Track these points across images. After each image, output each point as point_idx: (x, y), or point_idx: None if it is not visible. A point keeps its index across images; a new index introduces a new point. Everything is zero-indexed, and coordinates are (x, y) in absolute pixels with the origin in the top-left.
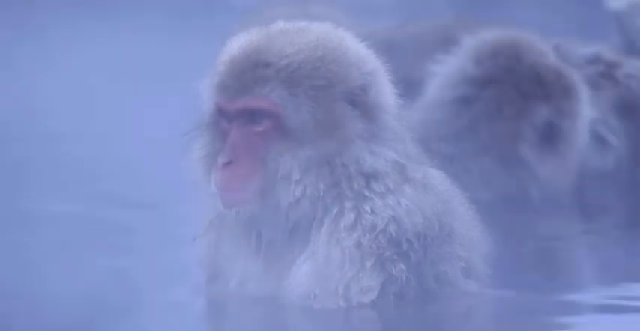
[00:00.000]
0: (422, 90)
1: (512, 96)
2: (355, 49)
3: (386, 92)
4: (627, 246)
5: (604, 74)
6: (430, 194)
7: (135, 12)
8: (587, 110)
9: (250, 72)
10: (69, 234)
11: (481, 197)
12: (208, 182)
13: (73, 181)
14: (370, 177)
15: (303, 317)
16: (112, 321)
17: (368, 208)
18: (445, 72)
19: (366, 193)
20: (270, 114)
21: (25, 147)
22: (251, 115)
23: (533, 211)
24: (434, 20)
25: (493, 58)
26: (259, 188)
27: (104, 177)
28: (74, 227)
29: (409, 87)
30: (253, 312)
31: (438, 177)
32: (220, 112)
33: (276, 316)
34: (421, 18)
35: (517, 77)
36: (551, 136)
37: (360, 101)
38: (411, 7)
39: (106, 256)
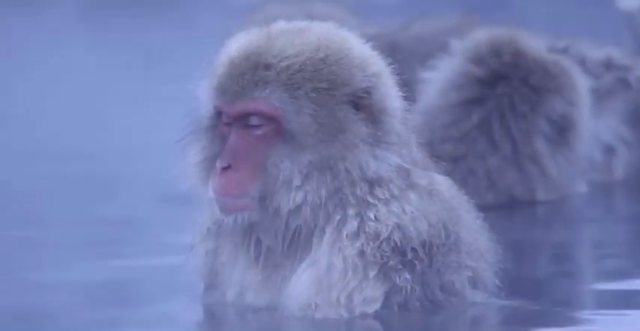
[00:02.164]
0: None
1: (524, 92)
2: (359, 49)
3: (391, 95)
4: (635, 255)
5: (617, 80)
6: (436, 200)
7: (130, 10)
8: (589, 100)
9: (250, 74)
10: (67, 242)
11: (486, 199)
12: (206, 187)
13: (66, 191)
14: (374, 182)
15: (304, 329)
16: (111, 329)
17: (371, 215)
18: (442, 77)
19: (370, 200)
20: (271, 117)
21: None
22: (250, 118)
23: (540, 216)
24: (438, 20)
25: (496, 56)
26: (259, 194)
27: (97, 187)
28: (71, 235)
29: (413, 89)
30: (252, 323)
31: (444, 183)
32: (219, 115)
33: (275, 327)
34: (426, 17)
35: (524, 72)
36: (564, 128)
37: (363, 104)
38: (415, 5)
39: (102, 266)
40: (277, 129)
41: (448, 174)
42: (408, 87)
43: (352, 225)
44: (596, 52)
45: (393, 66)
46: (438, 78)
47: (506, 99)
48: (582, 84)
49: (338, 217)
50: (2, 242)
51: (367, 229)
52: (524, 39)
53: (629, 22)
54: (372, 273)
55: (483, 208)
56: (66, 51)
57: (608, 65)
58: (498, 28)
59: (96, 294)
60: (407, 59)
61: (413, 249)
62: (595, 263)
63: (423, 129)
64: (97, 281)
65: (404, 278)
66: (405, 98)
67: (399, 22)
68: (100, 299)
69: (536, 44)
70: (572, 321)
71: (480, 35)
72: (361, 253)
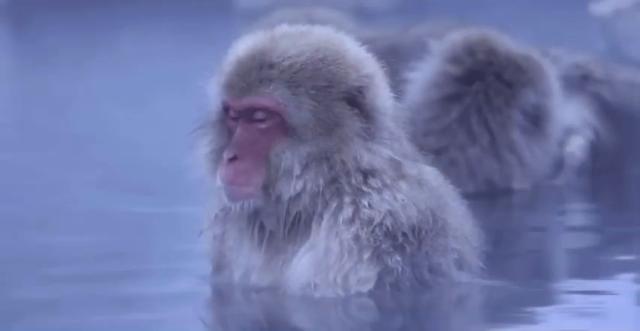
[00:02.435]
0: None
1: (498, 87)
2: (354, 52)
3: (382, 95)
4: (610, 237)
5: (591, 79)
6: (424, 189)
7: (145, 15)
8: (559, 88)
9: (255, 72)
10: (81, 226)
11: (467, 188)
12: (214, 177)
13: (89, 176)
14: (368, 173)
15: (304, 306)
16: (124, 308)
17: (365, 202)
18: (423, 76)
19: (364, 188)
20: (274, 112)
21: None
22: (256, 113)
23: (518, 202)
24: (434, 23)
25: (470, 55)
26: (262, 182)
27: (117, 170)
28: (87, 219)
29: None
30: (256, 301)
31: (431, 174)
32: (226, 110)
33: (278, 305)
34: (421, 22)
35: (498, 69)
36: (538, 118)
37: (357, 101)
38: (409, 11)
39: (117, 248)
40: (280, 123)
41: (432, 164)
42: (405, 87)
43: (348, 211)
44: (570, 57)
45: (387, 68)
46: (420, 77)
47: (482, 94)
48: (552, 74)
49: (335, 204)
50: (20, 234)
51: (362, 215)
52: (496, 37)
53: (603, 27)
54: (366, 256)
55: (465, 196)
56: None
57: (579, 67)
58: (472, 28)
59: (110, 276)
60: (406, 60)
61: (403, 234)
62: (568, 245)
63: (407, 124)
64: (111, 263)
65: (395, 260)
66: (397, 97)
67: (394, 26)
68: (113, 281)
69: (507, 41)
70: (548, 299)
71: (456, 36)
72: (356, 237)
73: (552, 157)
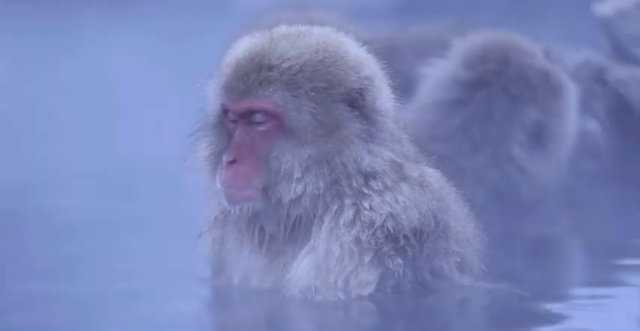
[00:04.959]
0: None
1: (501, 99)
2: (354, 53)
3: (382, 96)
4: (617, 241)
5: (595, 78)
6: (426, 191)
7: (141, 15)
8: (576, 108)
9: (254, 74)
10: (79, 228)
11: (474, 195)
12: (213, 180)
13: (84, 177)
14: (368, 175)
15: (304, 310)
16: (123, 310)
17: (366, 205)
18: (437, 75)
19: (365, 191)
20: (273, 114)
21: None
22: (255, 115)
23: (524, 209)
24: (433, 25)
25: (483, 62)
26: (262, 185)
27: (114, 174)
28: (84, 221)
29: (409, 89)
30: (256, 305)
31: (434, 176)
32: (225, 113)
33: (278, 308)
34: (421, 23)
35: (505, 80)
36: (540, 136)
37: (357, 103)
38: (410, 12)
39: (117, 250)
40: (279, 126)
41: (435, 167)
42: (405, 86)
43: (348, 214)
44: (575, 55)
45: (388, 68)
46: (434, 75)
47: (484, 104)
48: (567, 95)
49: (335, 207)
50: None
51: (362, 218)
52: (518, 46)
53: (606, 28)
54: (367, 259)
55: (470, 201)
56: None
57: (586, 65)
58: (496, 32)
59: (108, 278)
60: (403, 60)
61: (405, 236)
62: (572, 248)
63: (412, 127)
64: (109, 265)
65: (396, 263)
66: (399, 98)
67: (393, 27)
68: (112, 283)
69: (531, 52)
70: (551, 302)
71: (476, 38)
72: (357, 240)
73: (560, 169)
